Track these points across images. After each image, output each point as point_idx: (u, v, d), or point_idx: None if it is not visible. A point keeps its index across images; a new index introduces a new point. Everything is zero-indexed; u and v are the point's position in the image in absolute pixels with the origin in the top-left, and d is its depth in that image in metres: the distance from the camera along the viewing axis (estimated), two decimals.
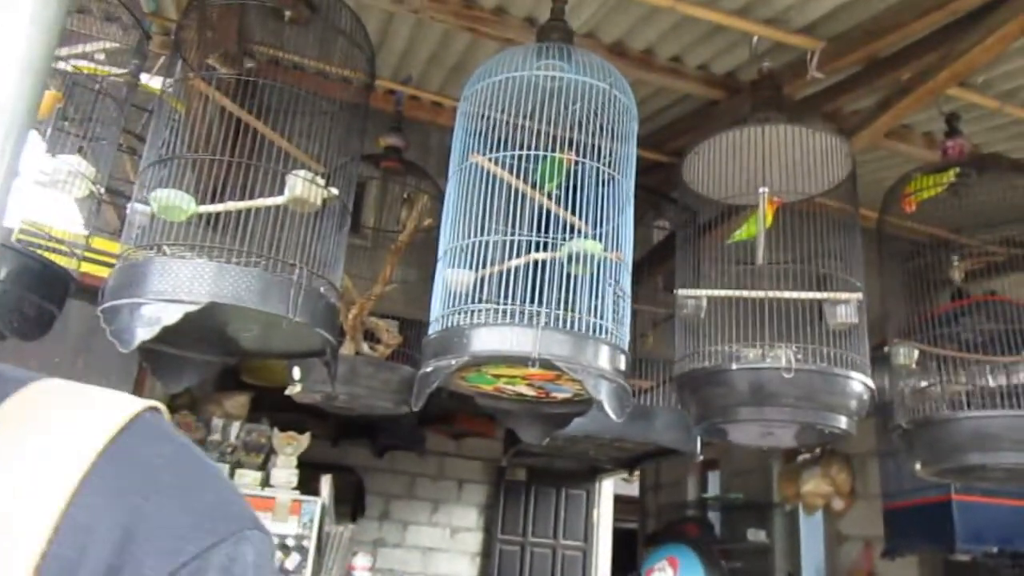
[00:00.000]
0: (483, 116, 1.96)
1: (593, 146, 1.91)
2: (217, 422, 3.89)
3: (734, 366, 1.88)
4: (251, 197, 1.76)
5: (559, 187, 2.02)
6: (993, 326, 2.54)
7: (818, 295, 2.06)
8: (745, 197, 2.20)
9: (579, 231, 1.86)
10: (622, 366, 1.76)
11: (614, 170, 1.88)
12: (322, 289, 1.71)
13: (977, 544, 3.03)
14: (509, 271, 1.82)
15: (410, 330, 2.80)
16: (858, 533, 4.63)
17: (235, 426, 3.86)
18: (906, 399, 2.16)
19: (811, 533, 5.16)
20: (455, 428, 7.26)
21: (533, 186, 1.95)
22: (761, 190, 1.99)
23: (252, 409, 4.38)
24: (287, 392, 2.62)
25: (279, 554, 3.56)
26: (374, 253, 3.20)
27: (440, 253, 1.94)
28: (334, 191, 1.77)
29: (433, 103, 3.56)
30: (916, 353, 2.25)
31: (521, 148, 1.91)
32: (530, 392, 1.94)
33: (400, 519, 7.56)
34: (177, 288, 1.54)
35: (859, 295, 2.02)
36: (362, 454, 7.39)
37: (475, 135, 1.96)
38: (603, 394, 1.69)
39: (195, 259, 1.61)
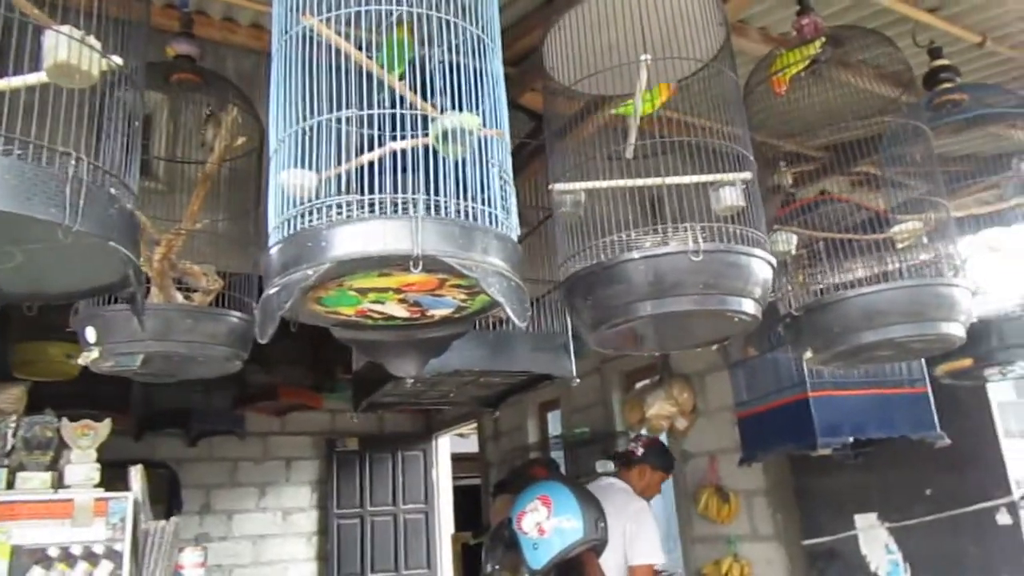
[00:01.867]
0: None
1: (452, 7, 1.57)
2: None
3: (636, 255, 1.63)
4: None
5: (406, 72, 1.66)
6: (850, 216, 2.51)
7: (701, 178, 1.86)
8: (614, 79, 1.95)
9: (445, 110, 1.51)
10: (517, 261, 1.46)
11: (481, 31, 1.55)
12: (113, 190, 1.25)
13: (835, 436, 3.09)
14: (366, 165, 1.45)
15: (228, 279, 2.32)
16: (703, 449, 4.72)
17: (10, 422, 3.15)
18: (792, 287, 2.05)
19: None
20: (278, 403, 6.67)
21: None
22: (643, 57, 1.75)
23: (30, 405, 3.65)
24: (80, 361, 2.08)
25: (84, 564, 2.96)
26: (171, 197, 2.65)
27: (271, 150, 1.52)
28: (117, 60, 1.30)
29: (225, 19, 3.02)
30: (795, 239, 2.15)
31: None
32: (402, 312, 1.58)
33: (224, 509, 6.92)
34: None
35: (745, 175, 1.85)
36: (172, 445, 6.64)
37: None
38: (502, 294, 1.38)
39: None
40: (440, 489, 7.64)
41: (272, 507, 7.09)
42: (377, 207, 1.35)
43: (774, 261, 1.74)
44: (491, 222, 1.44)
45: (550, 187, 1.89)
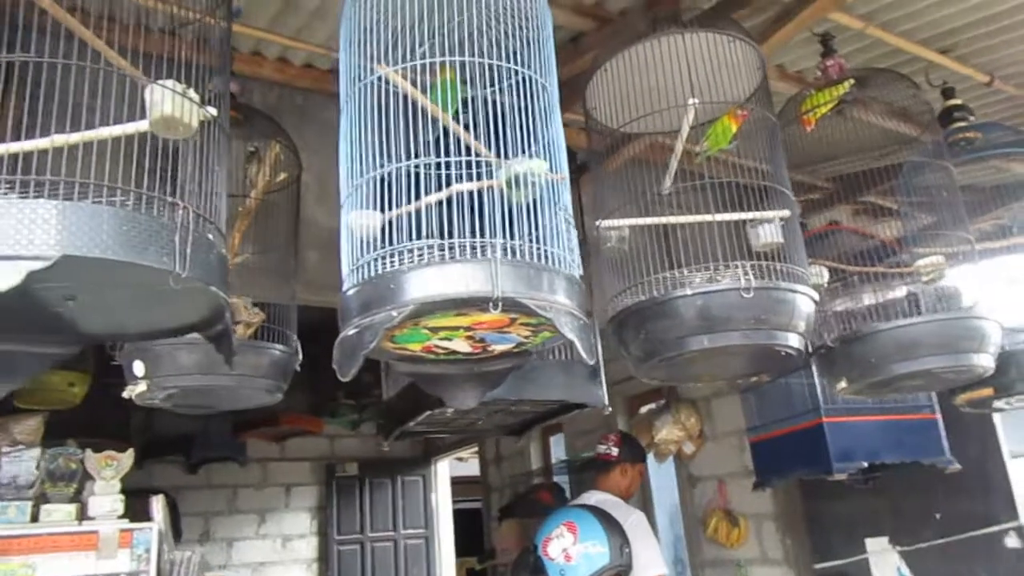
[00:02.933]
0: (375, 24, 1.62)
1: (507, 50, 1.64)
2: (6, 452, 3.16)
3: (689, 291, 1.70)
4: (77, 126, 1.29)
5: (461, 113, 1.73)
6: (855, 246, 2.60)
7: (741, 216, 1.94)
8: (656, 118, 2.03)
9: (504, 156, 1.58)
10: (583, 299, 1.52)
11: (538, 74, 1.62)
12: (211, 236, 1.30)
13: (849, 461, 3.15)
14: (433, 205, 1.51)
15: (270, 304, 2.37)
16: (710, 473, 4.78)
17: (32, 453, 3.16)
18: (828, 318, 2.12)
19: (662, 479, 5.27)
20: (279, 429, 6.65)
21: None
22: (691, 101, 1.83)
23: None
24: (125, 394, 2.10)
25: None
26: None
27: (343, 197, 1.58)
28: (212, 111, 1.35)
29: (254, 53, 3.09)
30: (826, 272, 2.23)
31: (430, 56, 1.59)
32: (466, 348, 1.64)
33: (223, 537, 6.86)
34: (7, 238, 1.08)
35: (783, 212, 1.93)
36: (172, 473, 6.58)
37: (369, 46, 1.61)
38: (574, 333, 1.44)
39: (24, 198, 1.14)
40: (440, 513, 7.62)
41: (272, 534, 7.05)
42: (457, 250, 1.41)
43: (816, 296, 1.81)
44: (560, 263, 1.50)
45: (597, 223, 1.96)
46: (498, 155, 1.58)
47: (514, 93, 1.62)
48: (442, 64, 1.66)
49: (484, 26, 1.64)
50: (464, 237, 1.45)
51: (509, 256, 1.42)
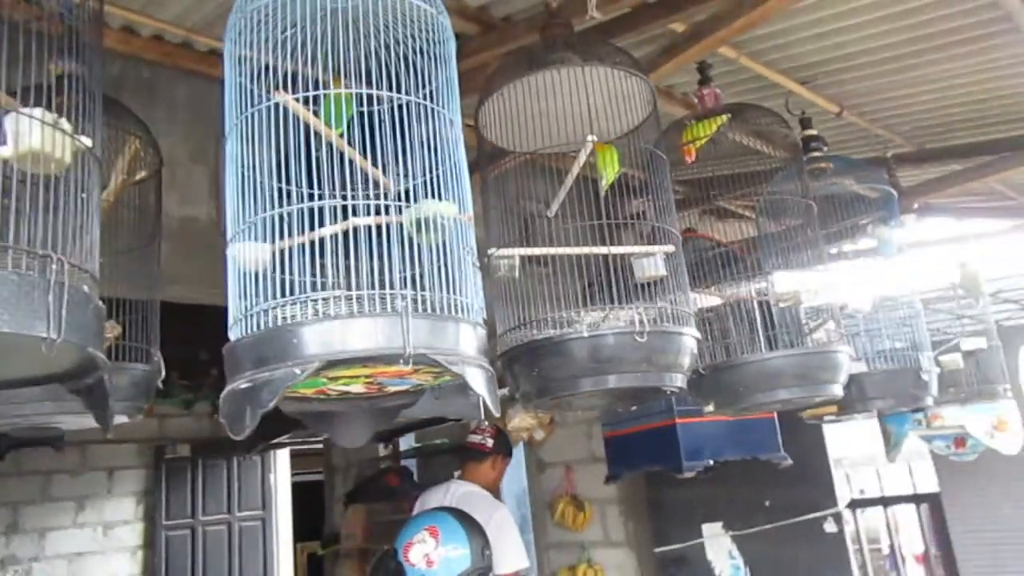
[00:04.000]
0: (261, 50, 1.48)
1: (408, 74, 1.55)
2: None
3: (585, 333, 1.71)
4: None
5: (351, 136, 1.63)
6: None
7: (628, 249, 1.97)
8: (545, 138, 2.01)
9: (413, 191, 1.51)
10: (486, 346, 1.49)
11: (439, 103, 1.55)
12: (86, 288, 1.14)
13: (698, 459, 3.35)
14: (331, 239, 1.42)
15: (127, 315, 2.15)
16: (558, 459, 4.93)
17: None
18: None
19: (512, 464, 5.37)
20: None
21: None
22: (589, 138, 1.82)
23: None
24: None
25: None
26: None
27: (229, 235, 1.44)
28: (86, 141, 1.18)
29: (125, 28, 2.78)
30: (700, 299, 2.32)
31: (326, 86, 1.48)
32: (361, 390, 1.56)
33: (35, 528, 6.31)
34: None
35: (668, 247, 1.98)
36: None
37: (253, 75, 1.48)
38: (482, 386, 1.41)
39: None
40: (279, 494, 7.39)
41: (91, 522, 6.55)
42: (366, 301, 1.33)
43: (698, 334, 1.88)
44: (466, 311, 1.46)
45: (488, 252, 1.92)
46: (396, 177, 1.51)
47: (419, 122, 1.54)
48: (334, 78, 1.55)
49: (385, 52, 1.55)
50: (368, 282, 1.37)
51: (419, 307, 1.36)
